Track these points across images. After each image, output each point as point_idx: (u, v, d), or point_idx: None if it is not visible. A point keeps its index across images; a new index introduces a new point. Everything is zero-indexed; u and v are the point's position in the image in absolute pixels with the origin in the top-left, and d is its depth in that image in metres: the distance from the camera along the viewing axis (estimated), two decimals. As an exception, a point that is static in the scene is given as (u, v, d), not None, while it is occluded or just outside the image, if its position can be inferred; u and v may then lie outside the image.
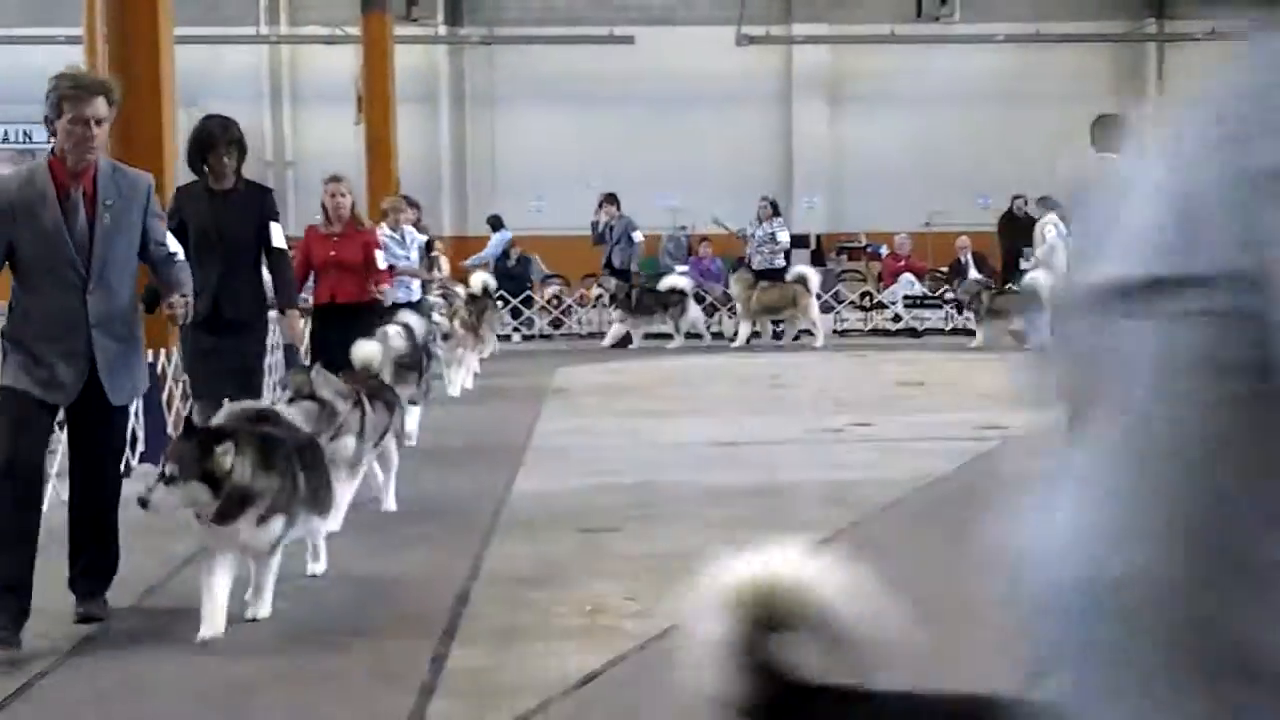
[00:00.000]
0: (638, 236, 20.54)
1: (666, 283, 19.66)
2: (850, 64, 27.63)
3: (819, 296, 19.50)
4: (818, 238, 26.19)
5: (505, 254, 21.88)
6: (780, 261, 19.61)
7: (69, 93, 5.67)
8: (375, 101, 20.13)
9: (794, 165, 27.56)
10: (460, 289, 16.57)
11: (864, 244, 25.65)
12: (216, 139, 7.54)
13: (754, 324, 19.37)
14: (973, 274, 21.06)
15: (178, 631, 5.85)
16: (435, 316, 13.66)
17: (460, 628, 5.84)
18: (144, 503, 5.57)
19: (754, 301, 19.07)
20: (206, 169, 7.62)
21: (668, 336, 19.32)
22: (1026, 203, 21.41)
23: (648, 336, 19.43)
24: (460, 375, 14.40)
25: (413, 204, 14.74)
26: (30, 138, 27.61)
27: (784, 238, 19.85)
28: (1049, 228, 19.81)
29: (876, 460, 9.78)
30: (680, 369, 16.43)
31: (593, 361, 17.39)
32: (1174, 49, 26.89)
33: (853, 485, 8.87)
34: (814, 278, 19.48)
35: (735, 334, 19.45)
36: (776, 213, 20.04)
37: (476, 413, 12.95)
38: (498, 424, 12.08)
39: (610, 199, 20.72)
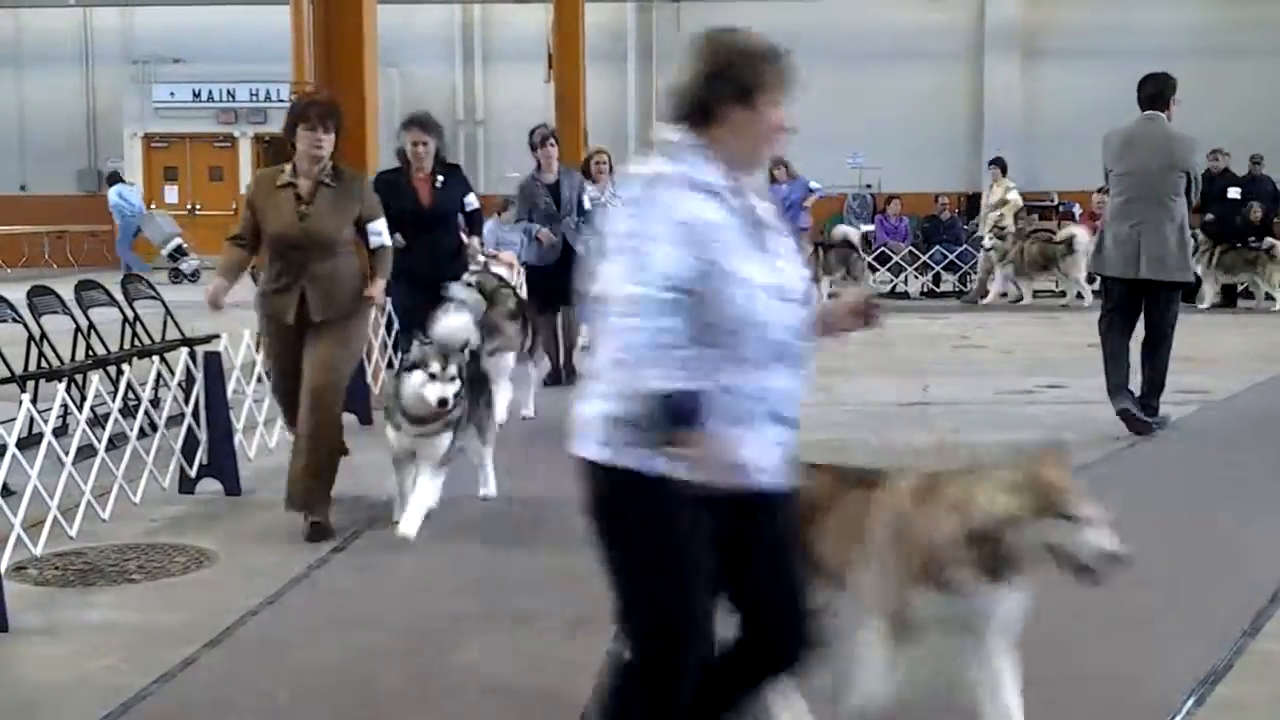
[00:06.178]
0: (589, 203, 12.63)
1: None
2: (1045, 17, 26.99)
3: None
4: (1008, 196, 25.71)
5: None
6: None
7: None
8: (565, 60, 20.34)
9: (984, 122, 27.07)
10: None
11: (1056, 203, 25.09)
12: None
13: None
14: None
15: (388, 571, 6.12)
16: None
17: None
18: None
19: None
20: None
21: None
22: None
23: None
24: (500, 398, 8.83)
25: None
26: (234, 96, 28.49)
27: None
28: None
29: (1068, 423, 9.61)
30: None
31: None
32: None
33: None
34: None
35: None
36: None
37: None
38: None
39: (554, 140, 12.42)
